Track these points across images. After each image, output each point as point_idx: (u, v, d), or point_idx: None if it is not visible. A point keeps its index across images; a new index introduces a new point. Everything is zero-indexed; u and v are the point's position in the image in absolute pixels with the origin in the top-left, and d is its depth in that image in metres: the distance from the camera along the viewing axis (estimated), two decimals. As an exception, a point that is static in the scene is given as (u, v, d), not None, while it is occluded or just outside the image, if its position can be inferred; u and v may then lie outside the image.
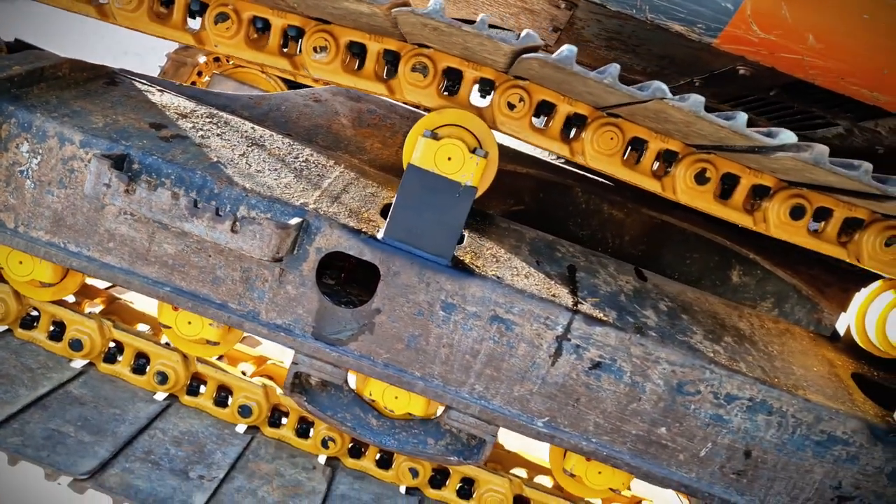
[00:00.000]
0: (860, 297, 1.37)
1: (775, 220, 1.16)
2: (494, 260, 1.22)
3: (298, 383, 1.21)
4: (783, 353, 1.27)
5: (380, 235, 1.14)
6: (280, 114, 1.63)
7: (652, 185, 1.20)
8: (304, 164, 1.32)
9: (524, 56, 0.96)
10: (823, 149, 0.87)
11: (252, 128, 1.39)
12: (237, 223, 1.02)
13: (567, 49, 0.90)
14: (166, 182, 1.13)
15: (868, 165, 0.89)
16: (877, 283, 1.34)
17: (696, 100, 0.88)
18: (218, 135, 1.31)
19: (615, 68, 0.90)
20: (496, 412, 1.17)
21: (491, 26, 0.92)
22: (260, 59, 1.24)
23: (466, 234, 1.29)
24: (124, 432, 1.17)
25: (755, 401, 1.14)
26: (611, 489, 1.28)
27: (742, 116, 0.90)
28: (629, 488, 1.40)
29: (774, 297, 1.84)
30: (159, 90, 1.43)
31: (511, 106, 1.14)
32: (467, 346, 1.16)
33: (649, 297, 1.29)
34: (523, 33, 0.91)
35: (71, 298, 1.39)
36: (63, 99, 1.22)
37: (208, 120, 1.36)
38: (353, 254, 1.13)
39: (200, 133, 1.29)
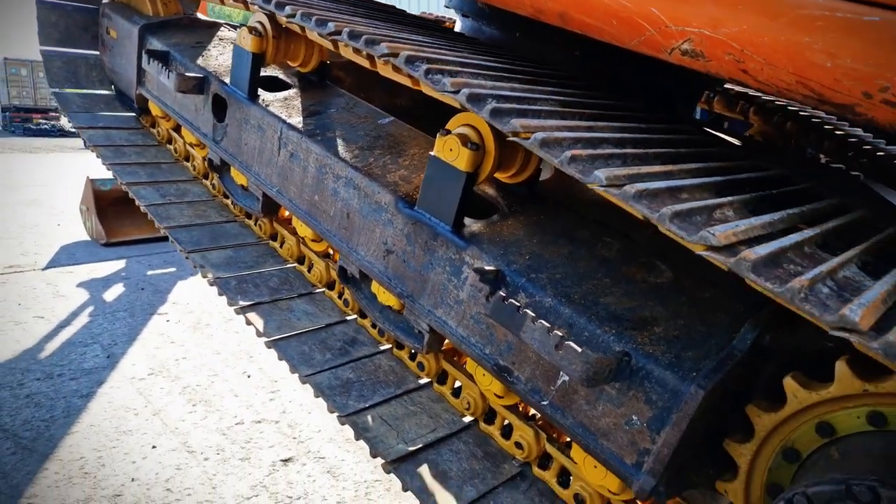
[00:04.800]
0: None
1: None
2: (283, 100, 2.13)
3: (213, 165, 2.39)
4: (415, 165, 1.80)
5: (228, 82, 2.21)
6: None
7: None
8: (249, 59, 2.45)
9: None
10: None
11: (249, 44, 2.59)
12: (175, 76, 2.25)
13: None
14: (176, 64, 2.44)
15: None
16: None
17: None
18: (223, 47, 2.56)
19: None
20: (260, 181, 2.11)
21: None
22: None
23: (295, 90, 2.22)
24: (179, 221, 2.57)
25: (349, 179, 1.78)
26: (311, 240, 2.05)
27: None
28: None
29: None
30: (230, 29, 2.77)
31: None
32: (253, 143, 2.13)
33: (360, 129, 1.98)
34: None
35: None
36: (172, 33, 2.67)
37: (229, 42, 2.62)
38: (219, 94, 2.24)
39: (215, 46, 2.57)
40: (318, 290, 2.14)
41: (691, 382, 1.11)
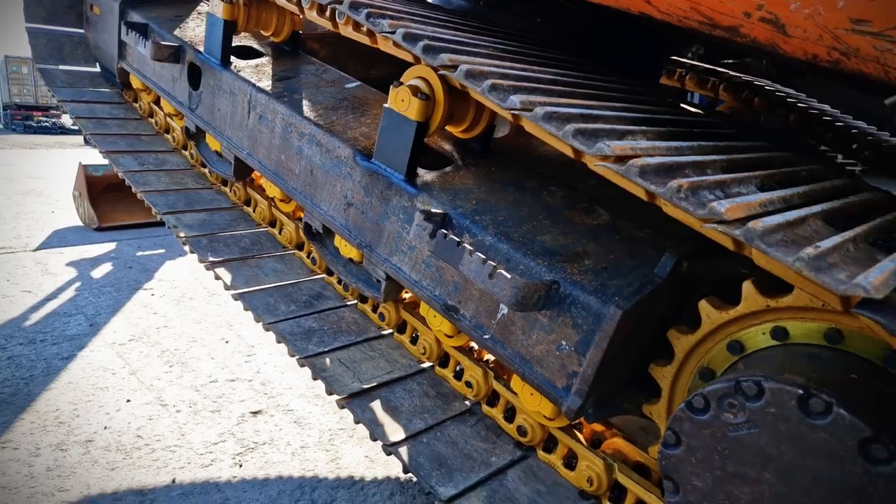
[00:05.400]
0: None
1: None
2: (254, 67, 2.21)
3: (190, 133, 2.46)
4: (376, 124, 1.87)
5: (202, 50, 2.28)
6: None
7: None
8: (225, 31, 2.53)
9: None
10: None
11: (227, 19, 2.66)
12: (151, 44, 2.32)
13: None
14: (154, 35, 2.52)
15: None
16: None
17: None
18: (201, 20, 2.63)
19: None
20: (232, 145, 2.18)
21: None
22: None
23: (267, 58, 2.29)
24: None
25: (312, 136, 1.85)
26: (280, 200, 2.12)
27: None
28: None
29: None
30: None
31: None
32: (225, 109, 2.20)
33: (326, 92, 2.05)
34: None
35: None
36: (152, 7, 2.74)
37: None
38: (194, 62, 2.31)
39: (193, 19, 2.64)
40: (288, 251, 2.21)
41: (611, 304, 1.18)
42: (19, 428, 1.89)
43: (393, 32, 1.36)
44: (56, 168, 9.49)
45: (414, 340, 1.80)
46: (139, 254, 4.71)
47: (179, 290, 3.60)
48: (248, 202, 2.41)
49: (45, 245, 4.86)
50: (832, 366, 1.00)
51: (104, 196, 6.42)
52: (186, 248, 2.08)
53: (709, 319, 1.17)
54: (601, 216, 1.47)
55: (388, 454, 1.43)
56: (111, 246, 4.95)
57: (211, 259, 2.00)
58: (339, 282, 2.03)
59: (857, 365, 0.99)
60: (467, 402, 1.64)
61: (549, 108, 1.02)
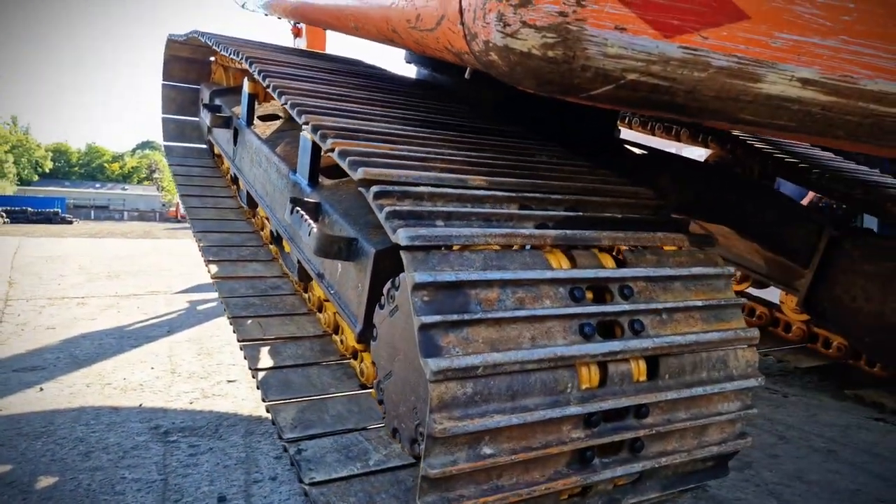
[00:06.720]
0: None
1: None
2: (267, 125, 2.96)
3: (234, 179, 3.27)
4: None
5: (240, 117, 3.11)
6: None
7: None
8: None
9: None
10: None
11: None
12: (210, 115, 3.22)
13: None
14: (221, 111, 3.44)
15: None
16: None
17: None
18: (258, 100, 3.52)
19: None
20: (246, 182, 2.91)
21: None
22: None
23: (281, 121, 3.05)
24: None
25: (274, 163, 2.50)
26: (266, 217, 2.75)
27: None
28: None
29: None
30: (272, 92, 3.75)
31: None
32: (246, 157, 2.96)
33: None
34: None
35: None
36: (230, 95, 3.71)
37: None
38: (235, 127, 3.14)
39: (252, 100, 3.53)
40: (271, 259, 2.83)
41: (372, 247, 1.59)
42: (74, 373, 2.65)
43: (262, 75, 2.00)
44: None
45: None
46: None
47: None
48: (262, 228, 3.11)
49: (183, 291, 6.06)
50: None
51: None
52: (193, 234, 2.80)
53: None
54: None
55: (253, 377, 1.89)
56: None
57: (210, 258, 2.68)
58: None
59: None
60: (343, 361, 2.04)
61: (319, 118, 1.56)
